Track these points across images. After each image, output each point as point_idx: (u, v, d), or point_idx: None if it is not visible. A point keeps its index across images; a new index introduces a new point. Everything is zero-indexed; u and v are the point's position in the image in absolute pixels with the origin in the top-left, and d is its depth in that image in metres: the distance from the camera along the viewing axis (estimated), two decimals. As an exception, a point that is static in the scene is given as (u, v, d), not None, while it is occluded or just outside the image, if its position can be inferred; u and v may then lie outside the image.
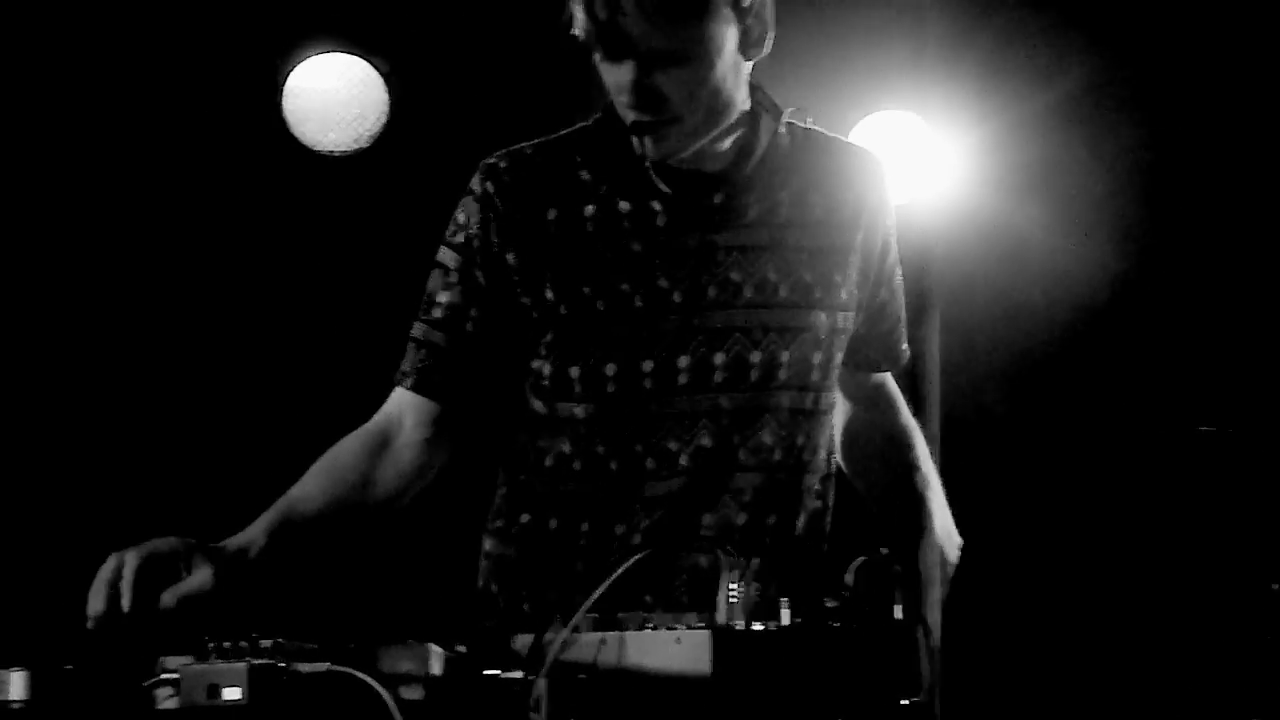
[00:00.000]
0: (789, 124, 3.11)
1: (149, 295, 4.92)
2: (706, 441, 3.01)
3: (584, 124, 3.09)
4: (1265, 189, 5.05)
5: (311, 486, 3.04)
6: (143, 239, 4.91)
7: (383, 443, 3.08)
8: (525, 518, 3.09)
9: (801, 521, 3.09)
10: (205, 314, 4.94)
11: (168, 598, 2.84)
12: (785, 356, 3.03)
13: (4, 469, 4.78)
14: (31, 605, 2.95)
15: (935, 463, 3.35)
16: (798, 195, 3.07)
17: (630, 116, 2.93)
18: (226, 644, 2.41)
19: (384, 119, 4.87)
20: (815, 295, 3.05)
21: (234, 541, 2.96)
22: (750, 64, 3.00)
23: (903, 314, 3.29)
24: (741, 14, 2.92)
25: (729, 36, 2.92)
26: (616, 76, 2.92)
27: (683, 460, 3.00)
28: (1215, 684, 4.90)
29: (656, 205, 3.00)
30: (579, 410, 3.01)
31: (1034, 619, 5.10)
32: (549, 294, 2.99)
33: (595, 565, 2.99)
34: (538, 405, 3.06)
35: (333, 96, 4.85)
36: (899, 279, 3.25)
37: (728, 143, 3.03)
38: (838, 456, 3.23)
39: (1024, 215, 5.11)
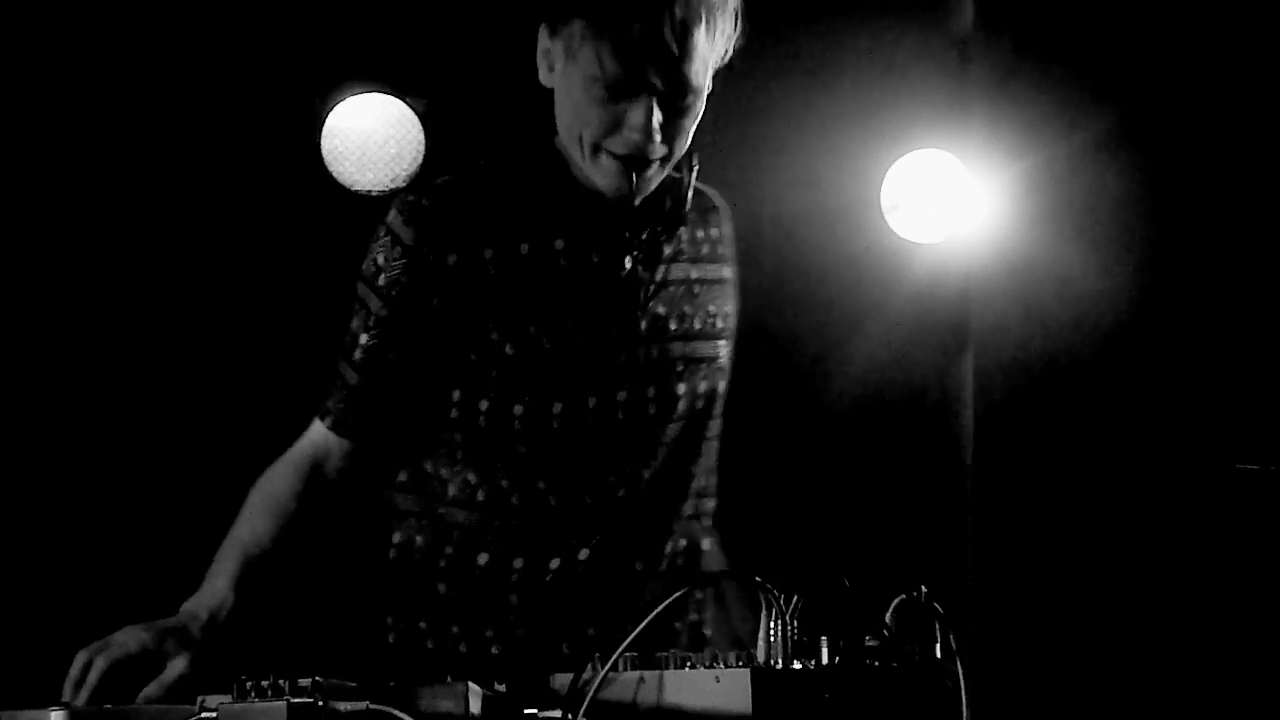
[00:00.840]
0: None
1: (186, 331, 4.93)
2: (643, 473, 3.03)
3: (483, 162, 3.12)
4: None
5: (260, 526, 3.04)
6: (183, 277, 4.92)
7: (315, 467, 3.10)
8: (449, 550, 3.09)
9: (707, 546, 3.14)
10: (243, 351, 4.94)
11: (152, 690, 2.84)
12: (703, 386, 3.12)
13: (41, 515, 4.79)
14: (67, 646, 2.96)
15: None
16: (689, 232, 3.16)
17: (622, 150, 2.95)
18: (265, 682, 2.40)
19: (420, 159, 4.88)
20: (718, 325, 3.15)
21: (202, 606, 2.94)
22: None
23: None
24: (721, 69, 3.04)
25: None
26: (617, 112, 2.94)
27: (620, 492, 3.03)
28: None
29: (590, 241, 3.05)
30: (521, 447, 3.03)
31: (1068, 650, 5.08)
32: (494, 335, 3.00)
33: (528, 599, 3.01)
34: (468, 442, 3.06)
35: (370, 136, 4.87)
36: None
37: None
38: None
39: (1058, 253, 5.10)
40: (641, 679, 2.42)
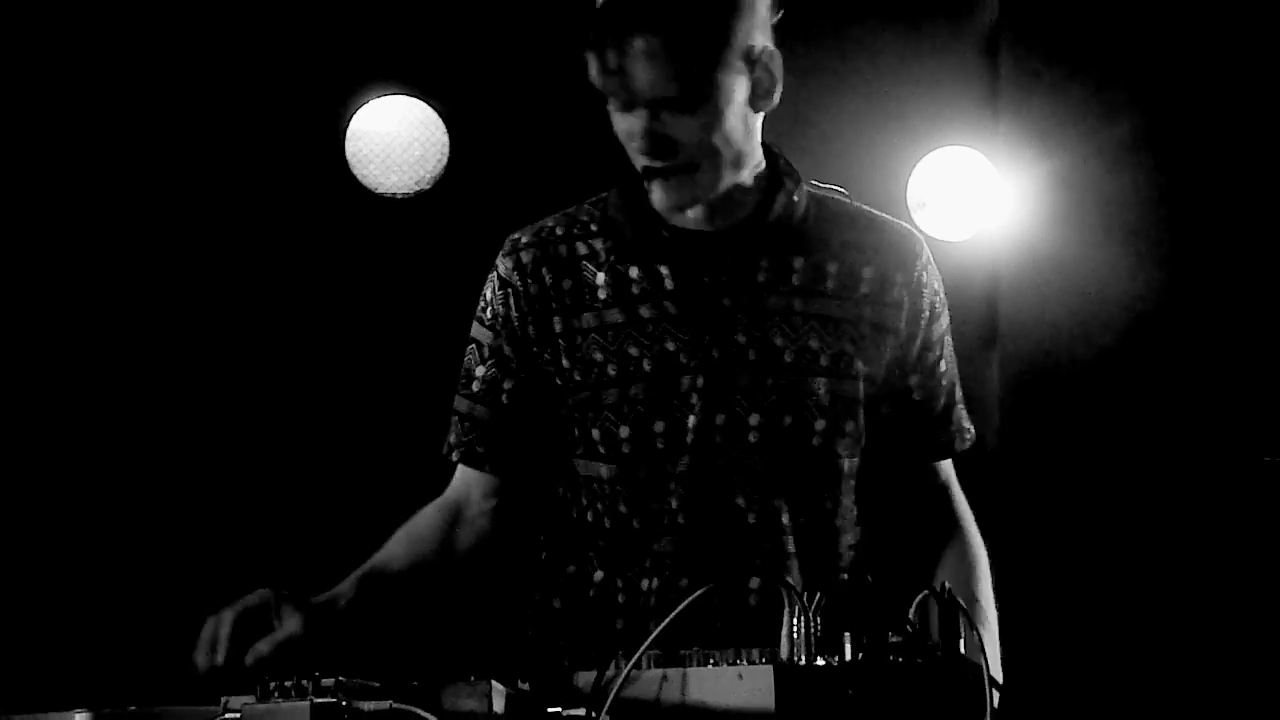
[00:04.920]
0: (815, 194, 3.17)
1: (213, 336, 4.94)
2: (715, 501, 3.04)
3: (603, 194, 3.18)
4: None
5: (395, 550, 3.15)
6: (208, 281, 4.93)
7: (456, 513, 3.20)
8: (571, 569, 3.15)
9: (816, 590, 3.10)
10: (268, 355, 4.95)
11: (263, 646, 2.91)
12: (787, 420, 3.05)
13: (69, 518, 4.81)
14: (93, 646, 2.96)
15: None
16: (814, 264, 3.11)
17: (641, 162, 3.01)
18: (288, 683, 2.40)
19: (444, 161, 4.88)
20: (820, 363, 3.08)
21: (325, 595, 3.05)
22: (760, 118, 3.06)
23: (946, 401, 3.24)
24: (751, 65, 3.00)
25: (739, 87, 2.99)
26: (629, 124, 2.99)
27: (689, 519, 3.05)
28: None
29: (664, 270, 3.08)
30: (604, 470, 3.09)
31: (1093, 646, 5.07)
32: (564, 361, 3.08)
33: (632, 622, 3.06)
34: (573, 465, 3.14)
35: (394, 139, 4.87)
36: (941, 367, 3.23)
37: (740, 204, 3.08)
38: None
39: (1084, 250, 5.09)
40: (665, 676, 2.42)
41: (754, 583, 3.03)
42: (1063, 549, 5.07)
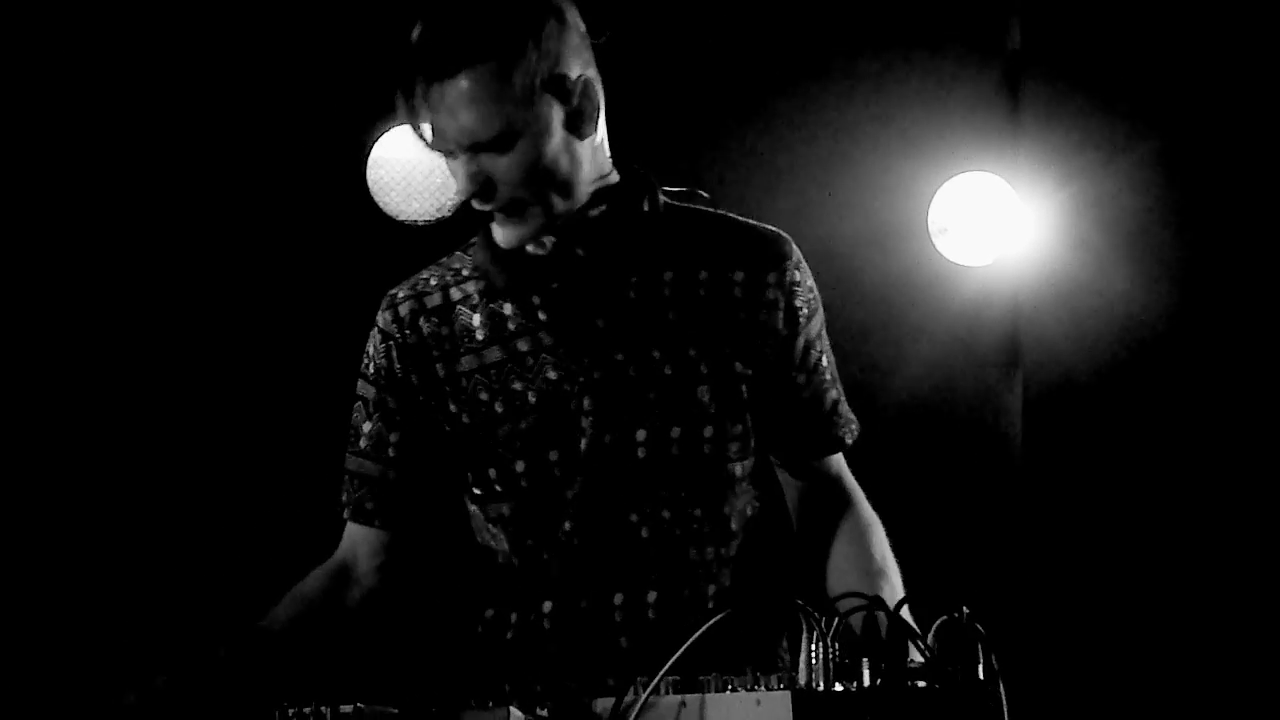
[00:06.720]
0: (678, 205, 3.18)
1: (235, 365, 4.96)
2: (613, 520, 3.05)
3: (473, 239, 3.19)
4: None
5: (278, 615, 3.14)
6: (231, 310, 4.95)
7: (344, 575, 3.21)
8: (489, 613, 3.16)
9: (714, 594, 3.09)
10: (292, 384, 4.97)
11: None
12: (675, 432, 3.06)
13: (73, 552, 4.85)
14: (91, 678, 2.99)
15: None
16: (684, 273, 3.11)
17: (474, 205, 3.03)
18: (306, 709, 2.41)
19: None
20: (701, 370, 3.09)
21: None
22: (591, 142, 3.05)
23: (833, 397, 3.26)
24: (567, 96, 2.99)
25: (554, 120, 2.98)
26: (452, 168, 3.02)
27: (598, 539, 3.05)
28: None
29: (536, 299, 3.09)
30: (505, 508, 3.11)
31: (1120, 670, 5.06)
32: (452, 407, 3.11)
33: (566, 646, 3.06)
34: (474, 509, 3.16)
35: (415, 167, 4.88)
36: (824, 363, 3.24)
37: (596, 225, 3.08)
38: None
39: (1106, 275, 5.09)
40: (683, 703, 2.42)
41: (651, 596, 3.05)
42: (1085, 568, 5.07)
